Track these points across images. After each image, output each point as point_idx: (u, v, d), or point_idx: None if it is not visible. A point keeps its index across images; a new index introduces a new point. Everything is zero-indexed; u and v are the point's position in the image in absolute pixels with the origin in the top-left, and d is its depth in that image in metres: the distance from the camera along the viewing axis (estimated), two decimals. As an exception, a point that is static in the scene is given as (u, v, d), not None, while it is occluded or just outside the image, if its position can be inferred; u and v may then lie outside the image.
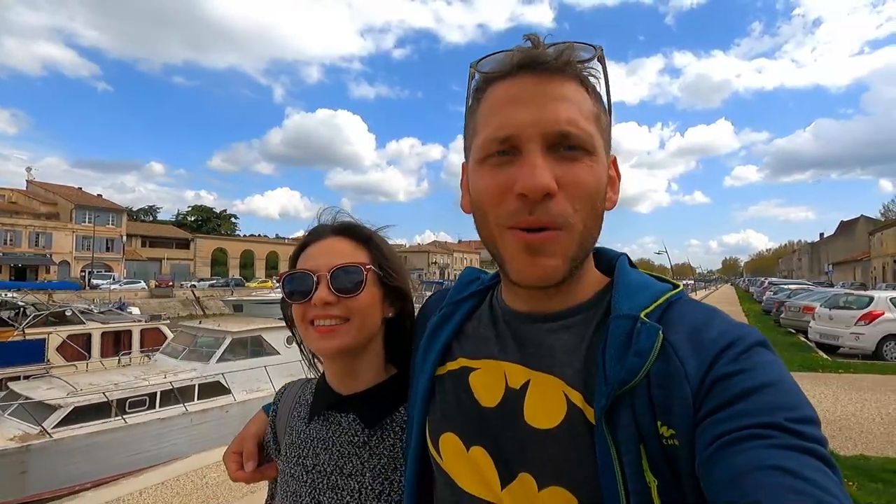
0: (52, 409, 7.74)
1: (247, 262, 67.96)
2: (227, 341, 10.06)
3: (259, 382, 9.80)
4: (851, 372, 8.83)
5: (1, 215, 46.32)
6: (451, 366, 0.70)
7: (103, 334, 12.24)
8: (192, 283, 48.22)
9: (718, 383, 0.49)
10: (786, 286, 24.72)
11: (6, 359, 10.29)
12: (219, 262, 65.72)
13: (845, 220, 72.63)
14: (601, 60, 0.60)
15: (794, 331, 14.64)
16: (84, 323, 12.24)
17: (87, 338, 11.92)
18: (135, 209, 76.73)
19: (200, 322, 11.91)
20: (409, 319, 0.87)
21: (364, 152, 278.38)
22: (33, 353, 10.67)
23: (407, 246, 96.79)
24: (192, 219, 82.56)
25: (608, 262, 0.67)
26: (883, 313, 10.65)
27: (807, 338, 12.72)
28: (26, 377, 10.00)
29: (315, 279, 0.77)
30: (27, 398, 8.08)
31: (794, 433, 0.44)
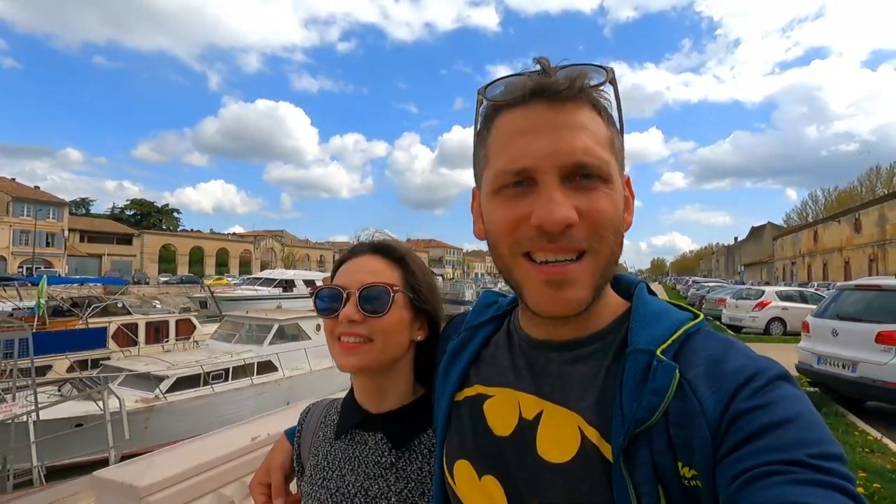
0: (161, 378, 9.68)
1: (195, 259, 66.61)
2: (275, 328, 12.20)
3: (298, 362, 12.03)
4: (749, 342, 12.60)
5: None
6: (468, 392, 0.69)
7: (147, 324, 13.88)
8: (237, 280, 45.91)
9: (738, 420, 0.48)
10: (706, 284, 30.30)
11: (76, 344, 11.83)
12: (166, 258, 64.06)
13: (755, 225, 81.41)
14: (612, 83, 0.59)
15: (711, 318, 18.98)
16: (131, 314, 13.83)
17: (135, 327, 13.53)
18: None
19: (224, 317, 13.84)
20: (437, 343, 0.85)
21: (306, 146, 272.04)
22: (97, 339, 12.18)
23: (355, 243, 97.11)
24: (131, 213, 79.31)
25: (626, 288, 0.67)
26: (770, 303, 15.00)
27: (721, 322, 16.94)
28: (93, 360, 11.61)
29: (345, 296, 0.78)
30: (130, 370, 9.95)
31: (817, 469, 0.43)
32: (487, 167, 0.60)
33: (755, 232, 79.28)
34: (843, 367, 5.83)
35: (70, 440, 7.98)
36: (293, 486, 0.94)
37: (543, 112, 0.55)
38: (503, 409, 0.64)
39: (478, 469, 0.63)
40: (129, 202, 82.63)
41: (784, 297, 15.27)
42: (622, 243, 0.59)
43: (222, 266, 67.26)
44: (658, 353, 0.54)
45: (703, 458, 0.49)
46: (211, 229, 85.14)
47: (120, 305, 14.02)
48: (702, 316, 0.61)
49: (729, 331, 15.40)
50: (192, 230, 79.29)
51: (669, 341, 0.56)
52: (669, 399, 0.51)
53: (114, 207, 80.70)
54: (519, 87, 0.57)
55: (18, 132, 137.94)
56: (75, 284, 16.88)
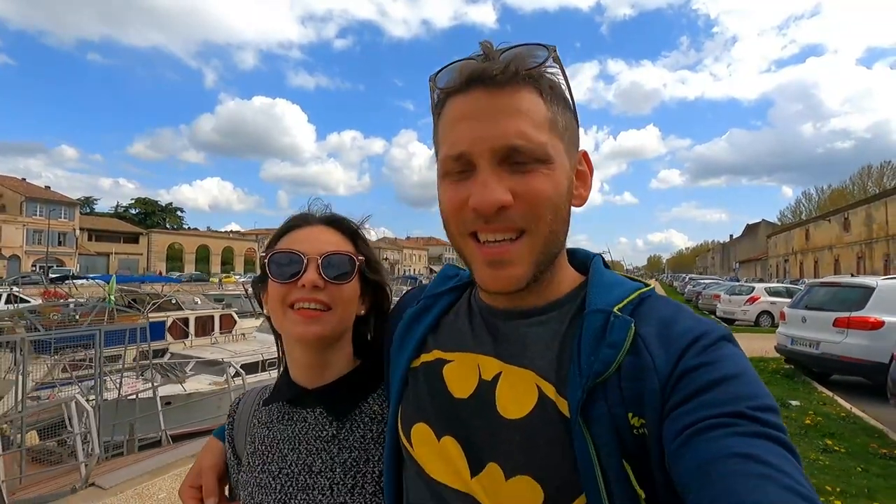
0: (228, 364, 11.10)
1: (201, 257, 67.84)
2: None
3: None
4: (739, 333, 14.12)
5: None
6: (426, 357, 0.70)
7: (196, 318, 15.30)
8: (244, 278, 46.97)
9: (686, 376, 0.51)
10: (702, 281, 31.57)
11: (143, 336, 13.23)
12: (173, 257, 65.27)
13: (750, 223, 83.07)
14: (556, 60, 0.59)
15: (707, 312, 20.57)
16: (183, 309, 15.25)
17: (186, 321, 14.95)
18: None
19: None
20: (382, 314, 0.87)
21: (303, 144, 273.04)
22: (157, 332, 13.52)
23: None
24: (135, 211, 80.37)
25: (582, 262, 0.69)
26: (759, 298, 16.69)
27: (715, 315, 18.44)
28: (156, 350, 12.99)
29: (305, 261, 0.76)
30: (199, 358, 11.38)
31: (756, 420, 0.46)
32: (438, 152, 0.63)
33: (750, 229, 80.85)
34: (810, 345, 7.40)
35: (166, 415, 9.41)
36: (228, 489, 0.90)
37: (481, 98, 0.57)
38: (462, 372, 0.65)
39: (436, 431, 0.64)
40: (133, 201, 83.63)
41: (772, 292, 16.86)
42: (566, 220, 0.61)
43: (227, 264, 68.53)
44: (615, 310, 0.57)
45: (651, 410, 0.52)
46: (208, 227, 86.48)
47: (174, 302, 15.44)
48: (652, 284, 0.65)
49: (724, 323, 17.10)
50: (194, 228, 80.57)
51: (625, 302, 0.59)
52: (625, 352, 0.54)
53: (118, 206, 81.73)
54: (459, 74, 0.59)
55: (12, 129, 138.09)
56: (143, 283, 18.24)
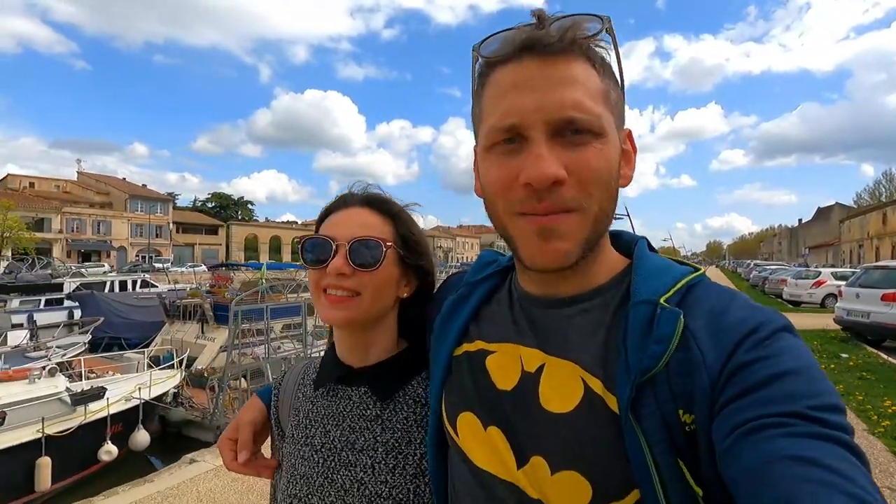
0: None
1: (274, 247, 73.18)
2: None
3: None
4: (805, 313, 15.57)
5: (64, 204, 51.00)
6: (469, 347, 0.70)
7: (317, 300, 18.51)
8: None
9: (739, 371, 0.48)
10: (767, 267, 32.40)
11: (288, 313, 16.19)
12: (250, 247, 70.93)
13: (822, 206, 79.55)
14: (610, 32, 0.57)
15: (773, 296, 21.90)
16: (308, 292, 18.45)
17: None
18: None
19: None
20: (428, 297, 0.86)
21: (353, 134, 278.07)
22: (298, 311, 16.60)
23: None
24: (212, 205, 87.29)
25: (626, 245, 0.67)
26: (826, 281, 18.06)
27: (782, 298, 19.99)
28: (295, 325, 15.99)
29: (334, 247, 0.76)
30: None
31: (816, 421, 0.43)
32: (482, 124, 0.60)
33: (822, 213, 77.32)
34: (862, 316, 9.42)
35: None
36: (266, 451, 0.93)
37: (534, 66, 0.55)
38: (505, 363, 0.64)
39: (483, 421, 0.64)
40: (210, 195, 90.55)
41: (839, 276, 17.96)
42: (615, 199, 0.58)
43: (296, 254, 73.18)
44: (662, 301, 0.54)
45: (701, 407, 0.49)
46: (266, 218, 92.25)
47: (304, 287, 18.67)
48: (703, 269, 0.60)
49: (790, 305, 18.43)
50: (265, 220, 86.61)
51: (671, 291, 0.56)
52: (674, 347, 0.51)
53: (195, 200, 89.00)
54: (510, 43, 0.56)
55: (91, 129, 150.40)
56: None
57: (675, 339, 0.52)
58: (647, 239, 0.67)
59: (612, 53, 0.59)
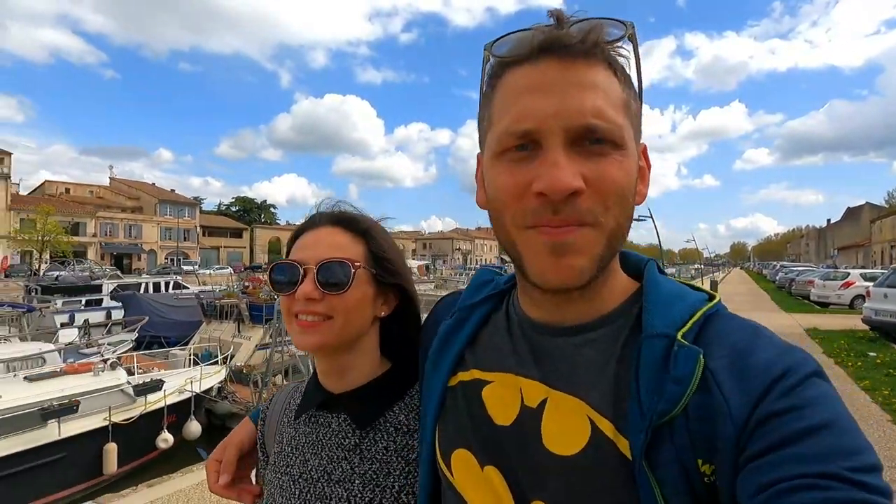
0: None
1: (296, 250, 74.34)
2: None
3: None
4: (834, 314, 15.46)
5: (98, 209, 52.93)
6: (464, 376, 0.65)
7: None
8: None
9: (768, 422, 0.44)
10: (794, 269, 32.10)
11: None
12: (273, 249, 72.45)
13: (852, 206, 77.59)
14: (632, 39, 0.54)
15: (800, 297, 21.73)
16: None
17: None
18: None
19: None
20: (410, 315, 0.83)
21: (372, 138, 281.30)
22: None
23: (426, 233, 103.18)
24: (235, 209, 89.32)
25: (635, 266, 0.63)
26: (854, 282, 17.93)
27: (808, 300, 19.87)
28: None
29: (302, 271, 0.74)
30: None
31: (855, 485, 0.40)
32: (491, 129, 0.55)
33: (851, 213, 75.32)
34: (890, 316, 9.54)
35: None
36: (255, 475, 0.91)
37: (552, 69, 0.51)
38: (504, 395, 0.60)
39: (480, 459, 0.59)
40: (234, 199, 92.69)
41: (867, 277, 17.70)
42: (631, 216, 0.55)
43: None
44: (679, 337, 0.50)
45: (723, 459, 0.45)
46: (287, 221, 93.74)
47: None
48: (718, 297, 0.57)
49: (817, 306, 18.30)
50: (287, 223, 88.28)
51: (689, 324, 0.52)
52: (693, 388, 0.47)
53: (220, 204, 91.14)
54: (527, 43, 0.52)
55: (119, 136, 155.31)
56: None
57: (694, 381, 0.48)
58: (656, 261, 0.63)
59: (633, 62, 0.55)
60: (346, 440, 0.79)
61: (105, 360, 8.77)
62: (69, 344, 12.11)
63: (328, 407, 0.82)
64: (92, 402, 7.55)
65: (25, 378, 7.79)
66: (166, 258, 56.17)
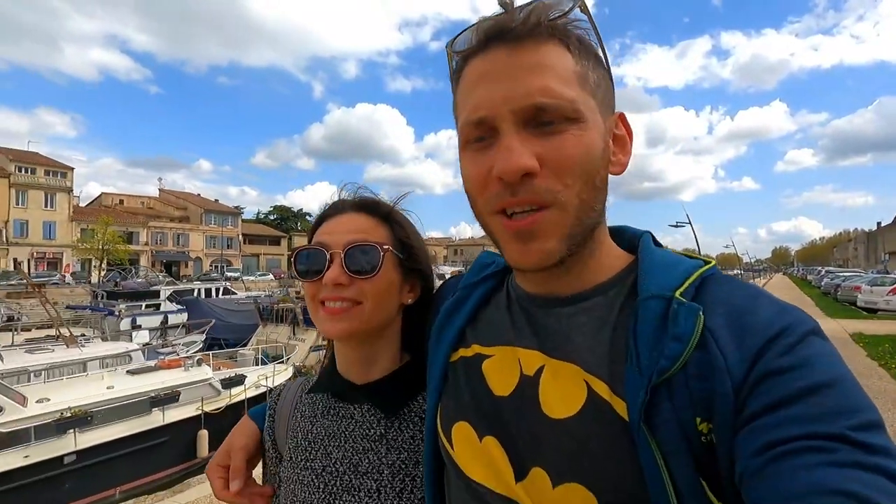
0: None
1: (331, 257, 76.19)
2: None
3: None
4: (883, 321, 15.32)
5: (148, 219, 55.98)
6: (465, 352, 0.67)
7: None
8: None
9: (766, 380, 0.44)
10: (841, 274, 31.54)
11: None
12: (309, 256, 74.49)
13: (903, 209, 74.08)
14: (584, 10, 0.54)
15: (846, 303, 21.43)
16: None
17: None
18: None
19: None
20: (430, 306, 0.81)
21: (402, 146, 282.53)
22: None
23: (457, 239, 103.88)
24: (273, 217, 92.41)
25: (630, 240, 0.63)
26: None
27: (855, 305, 19.62)
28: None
29: (328, 256, 0.72)
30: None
31: (860, 446, 0.39)
32: (457, 123, 0.58)
33: (903, 216, 71.75)
34: None
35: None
36: (258, 475, 0.89)
37: (500, 56, 0.53)
38: (503, 367, 0.61)
39: (478, 430, 0.60)
40: (272, 208, 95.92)
41: (918, 283, 17.47)
42: (602, 187, 0.55)
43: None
44: (677, 295, 0.50)
45: (721, 417, 0.45)
46: None
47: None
48: (714, 261, 0.57)
49: (864, 312, 18.10)
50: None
51: (685, 285, 0.52)
52: (693, 346, 0.47)
53: (259, 213, 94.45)
54: (475, 34, 0.55)
55: (162, 148, 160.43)
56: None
57: (695, 338, 0.47)
58: (651, 233, 0.64)
59: (592, 33, 0.56)
60: (372, 430, 0.78)
61: (191, 357, 9.82)
62: (146, 344, 13.36)
63: (349, 398, 0.81)
64: (187, 394, 8.55)
65: (128, 372, 8.91)
66: (211, 265, 58.65)
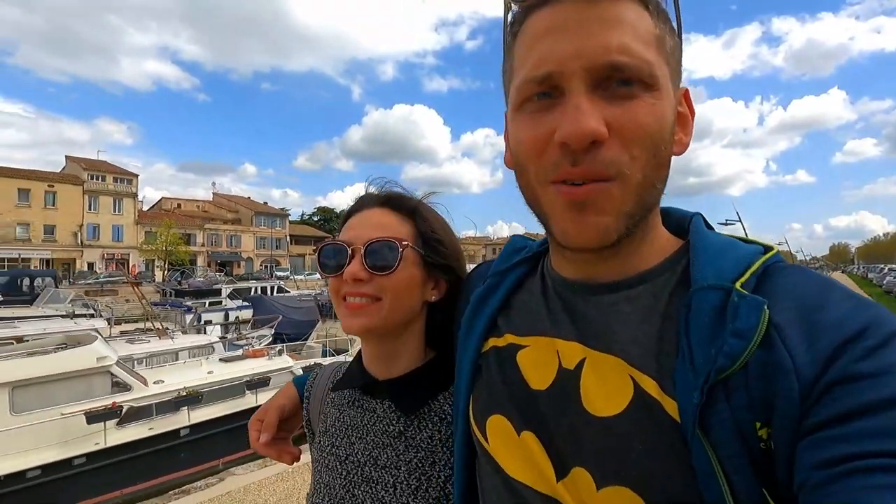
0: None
1: (373, 256, 78.00)
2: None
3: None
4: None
5: (204, 222, 59.26)
6: (498, 342, 0.63)
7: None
8: None
9: (840, 385, 0.39)
10: None
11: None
12: (352, 256, 76.53)
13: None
14: None
15: None
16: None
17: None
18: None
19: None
20: (455, 301, 0.80)
21: (439, 145, 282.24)
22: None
23: (494, 238, 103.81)
24: (317, 219, 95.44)
25: (678, 223, 0.59)
26: None
27: None
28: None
29: (350, 252, 0.74)
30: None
31: None
32: (513, 80, 0.53)
33: (978, 210, 66.68)
34: None
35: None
36: (304, 447, 0.92)
37: (573, 7, 0.47)
38: (540, 359, 0.58)
39: (516, 424, 0.57)
40: (316, 209, 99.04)
41: None
42: (666, 166, 0.50)
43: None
44: (737, 286, 0.46)
45: (782, 422, 0.41)
46: None
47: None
48: (776, 248, 0.52)
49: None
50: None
51: (747, 275, 0.47)
52: (757, 342, 0.43)
53: (303, 214, 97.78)
54: None
55: (210, 153, 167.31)
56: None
57: (759, 334, 0.43)
58: (702, 215, 0.59)
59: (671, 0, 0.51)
60: (391, 427, 0.79)
61: (273, 348, 10.90)
62: (223, 337, 14.68)
63: (372, 393, 0.83)
64: (277, 380, 9.58)
65: (220, 360, 10.04)
66: (261, 265, 61.43)
